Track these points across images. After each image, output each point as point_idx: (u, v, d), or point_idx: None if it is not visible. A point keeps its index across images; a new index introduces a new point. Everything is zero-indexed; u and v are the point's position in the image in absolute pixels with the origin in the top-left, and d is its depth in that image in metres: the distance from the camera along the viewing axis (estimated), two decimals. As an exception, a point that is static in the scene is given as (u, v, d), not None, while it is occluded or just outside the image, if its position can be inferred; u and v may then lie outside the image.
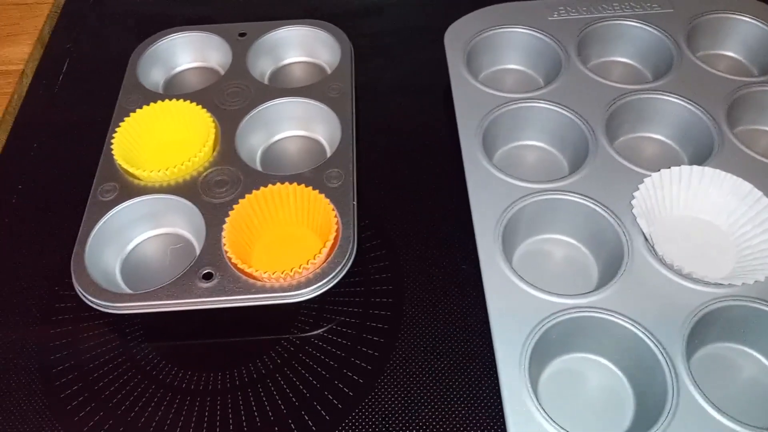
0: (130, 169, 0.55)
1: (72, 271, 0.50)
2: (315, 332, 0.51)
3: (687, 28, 0.65)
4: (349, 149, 0.57)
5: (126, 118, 0.59)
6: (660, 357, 0.44)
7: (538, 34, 0.65)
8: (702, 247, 0.51)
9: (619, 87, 0.60)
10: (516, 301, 0.47)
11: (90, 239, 0.52)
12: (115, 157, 0.56)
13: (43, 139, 0.65)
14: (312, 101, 0.61)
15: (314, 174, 0.55)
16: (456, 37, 0.65)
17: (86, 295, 0.49)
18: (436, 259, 0.55)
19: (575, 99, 0.59)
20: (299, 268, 0.49)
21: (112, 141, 0.57)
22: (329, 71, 0.66)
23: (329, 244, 0.50)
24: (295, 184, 0.54)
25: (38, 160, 0.64)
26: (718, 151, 0.55)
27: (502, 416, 0.43)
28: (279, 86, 0.65)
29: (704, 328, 0.46)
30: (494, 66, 0.67)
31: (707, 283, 0.47)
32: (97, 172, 0.57)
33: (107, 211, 0.54)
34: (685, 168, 0.53)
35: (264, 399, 0.48)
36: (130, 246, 0.55)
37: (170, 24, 0.69)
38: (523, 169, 0.59)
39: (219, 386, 0.48)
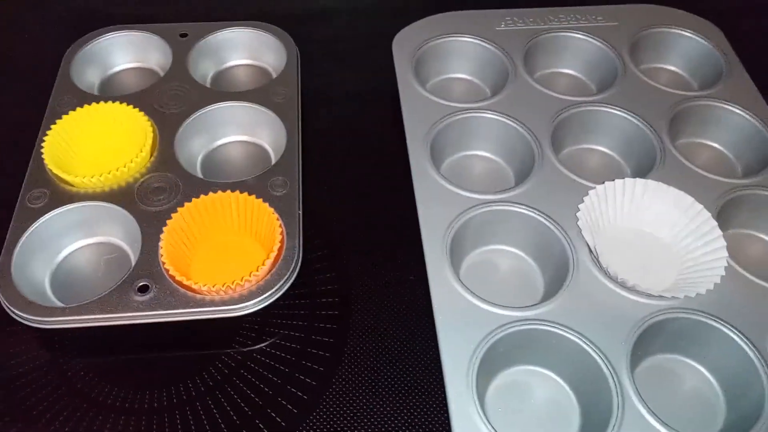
0: (62, 175, 0.52)
1: (-4, 283, 0.47)
2: (258, 347, 0.49)
3: (630, 42, 0.66)
4: (295, 156, 0.56)
5: (58, 121, 0.56)
6: (604, 369, 0.45)
7: (486, 44, 0.65)
8: (645, 259, 0.52)
9: (565, 99, 0.61)
10: (463, 314, 0.47)
11: (17, 248, 0.49)
12: (45, 161, 0.53)
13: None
14: (256, 106, 0.59)
15: (258, 181, 0.54)
16: (404, 45, 0.65)
17: (12, 309, 0.46)
18: (384, 270, 0.54)
19: (522, 110, 0.59)
20: (241, 280, 0.47)
21: (43, 144, 0.54)
22: (274, 75, 0.64)
23: (273, 255, 0.48)
24: (237, 192, 0.52)
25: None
26: (661, 163, 0.56)
27: (450, 429, 0.42)
28: (222, 89, 0.63)
29: (648, 340, 0.47)
30: (442, 74, 0.67)
31: (650, 296, 0.48)
32: (25, 178, 0.54)
33: (36, 219, 0.51)
34: (629, 180, 0.53)
35: (203, 417, 0.46)
36: (60, 256, 0.52)
37: (108, 22, 0.66)
38: (470, 179, 0.59)
39: (156, 404, 0.46)
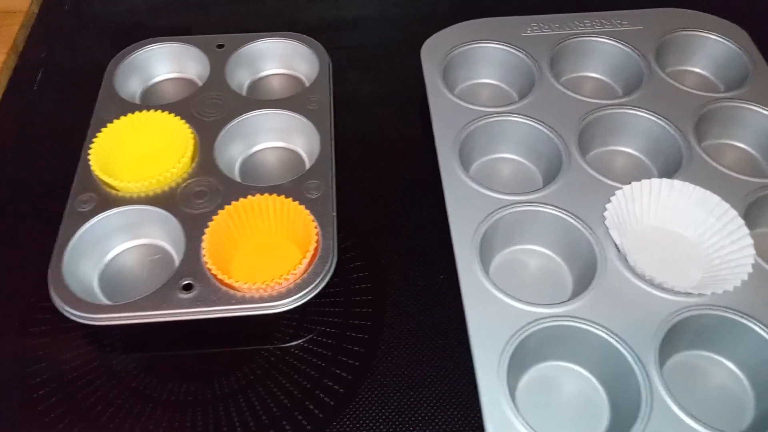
0: (108, 180, 0.55)
1: (49, 283, 0.50)
2: (295, 342, 0.51)
3: (656, 45, 0.67)
4: (328, 160, 0.58)
5: (103, 129, 0.59)
6: (633, 364, 0.46)
7: (513, 50, 0.66)
8: (672, 258, 0.53)
9: (591, 102, 0.62)
10: (494, 311, 0.48)
11: (67, 250, 0.52)
12: (92, 167, 0.56)
13: (18, 149, 0.65)
14: (291, 113, 0.61)
15: (293, 185, 0.56)
16: (432, 51, 0.66)
17: (64, 307, 0.49)
18: (415, 269, 0.56)
19: (549, 113, 0.61)
20: (279, 278, 0.49)
21: (90, 151, 0.57)
22: (307, 84, 0.67)
23: (309, 254, 0.50)
24: (274, 195, 0.54)
25: (13, 170, 0.63)
26: (687, 164, 0.57)
27: (481, 423, 0.43)
28: (257, 98, 0.65)
29: (676, 336, 0.48)
30: (470, 80, 0.69)
31: (678, 293, 0.49)
32: (73, 183, 0.56)
33: (84, 222, 0.53)
34: (655, 180, 0.54)
35: (245, 410, 0.48)
36: (108, 257, 0.55)
37: (147, 35, 0.69)
38: (498, 181, 0.60)
39: (199, 397, 0.48)
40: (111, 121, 0.59)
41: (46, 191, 0.60)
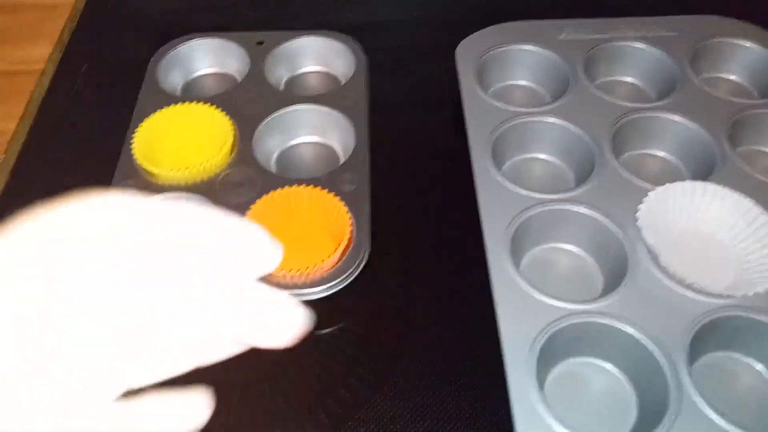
0: (150, 168, 0.57)
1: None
2: (326, 330, 0.52)
3: (691, 51, 0.67)
4: (364, 155, 0.59)
5: (146, 119, 0.60)
6: (662, 362, 0.46)
7: (547, 52, 0.67)
8: (703, 260, 0.53)
9: (625, 105, 0.62)
10: (524, 306, 0.49)
11: (109, 234, 0.53)
12: (134, 155, 0.58)
13: (63, 138, 0.67)
14: (327, 108, 0.63)
15: (328, 178, 0.57)
16: (467, 53, 0.67)
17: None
18: (446, 264, 0.56)
19: (582, 115, 0.61)
20: (313, 266, 0.50)
21: (132, 140, 0.59)
22: (343, 81, 0.68)
23: (343, 243, 0.51)
24: (311, 186, 0.55)
25: (57, 159, 0.65)
26: (719, 169, 0.57)
27: (510, 419, 0.44)
28: (295, 94, 0.67)
29: (705, 336, 0.48)
30: (504, 81, 0.69)
31: (708, 294, 0.49)
32: (116, 171, 0.58)
33: (126, 208, 0.55)
34: (689, 183, 0.55)
35: (274, 394, 0.49)
36: (147, 243, 0.56)
37: (190, 30, 0.71)
38: (531, 181, 0.61)
39: (229, 383, 0.49)
40: (153, 112, 0.61)
41: (88, 179, 0.62)
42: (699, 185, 0.54)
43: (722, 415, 0.43)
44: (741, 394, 0.48)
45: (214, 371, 0.48)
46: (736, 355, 0.50)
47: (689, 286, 0.49)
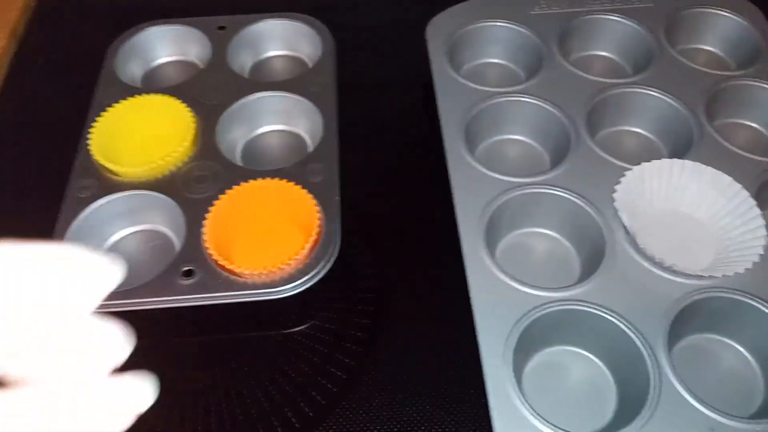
0: (109, 165, 0.54)
1: (49, 269, 0.49)
2: (298, 328, 0.51)
3: (666, 23, 0.65)
4: (332, 143, 0.57)
5: (103, 113, 0.58)
6: (642, 348, 0.45)
7: (520, 28, 0.65)
8: (683, 240, 0.52)
9: (600, 81, 0.61)
10: (500, 295, 0.47)
11: (66, 236, 0.51)
12: (92, 152, 0.55)
13: (18, 134, 0.64)
14: (294, 95, 0.60)
15: (296, 169, 0.55)
16: (438, 31, 0.65)
17: (64, 293, 0.48)
18: (419, 252, 0.55)
19: (557, 93, 0.59)
20: (281, 264, 0.48)
21: (89, 136, 0.56)
22: (310, 65, 0.65)
23: (312, 239, 0.50)
24: (276, 179, 0.53)
25: (13, 156, 0.62)
26: (698, 144, 0.56)
27: (487, 409, 0.43)
28: (260, 80, 0.64)
29: (685, 319, 0.47)
30: (476, 60, 0.67)
31: (688, 275, 0.48)
32: (73, 168, 0.56)
33: (84, 208, 0.53)
34: (666, 161, 0.53)
35: (246, 396, 0.47)
36: (108, 243, 0.54)
37: (148, 17, 0.68)
38: (505, 162, 0.59)
39: (201, 385, 0.48)
40: (111, 105, 0.58)
41: (46, 177, 0.60)
42: (677, 163, 0.53)
43: (701, 400, 0.42)
44: (723, 377, 0.48)
45: (181, 376, 0.47)
46: (718, 337, 0.49)
47: (669, 268, 0.48)
